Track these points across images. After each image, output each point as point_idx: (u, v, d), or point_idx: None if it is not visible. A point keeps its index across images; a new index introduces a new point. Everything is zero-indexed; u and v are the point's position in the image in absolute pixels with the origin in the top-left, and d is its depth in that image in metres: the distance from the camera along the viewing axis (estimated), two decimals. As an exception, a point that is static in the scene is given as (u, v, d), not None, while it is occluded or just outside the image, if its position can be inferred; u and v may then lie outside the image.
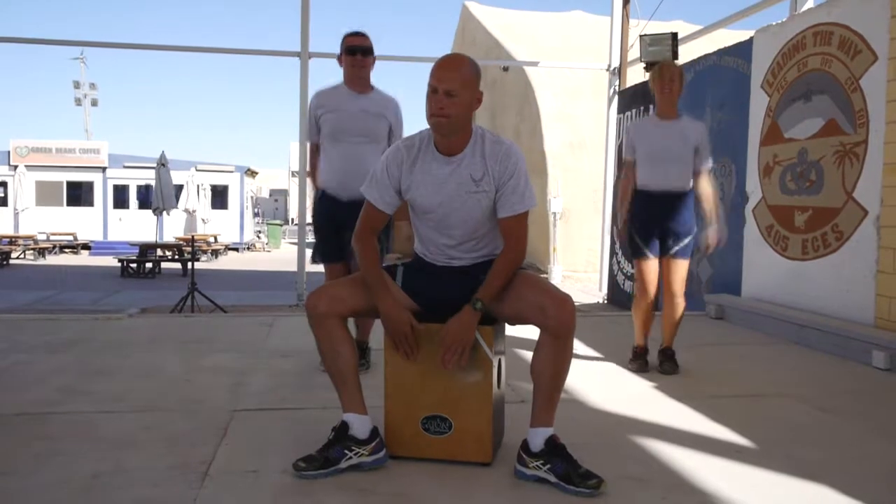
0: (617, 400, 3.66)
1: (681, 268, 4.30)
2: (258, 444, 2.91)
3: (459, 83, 2.57)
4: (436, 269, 2.81)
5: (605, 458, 2.77)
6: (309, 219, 10.56)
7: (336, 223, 4.07)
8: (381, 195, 2.75)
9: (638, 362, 4.38)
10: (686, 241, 4.27)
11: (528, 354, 4.42)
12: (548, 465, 2.55)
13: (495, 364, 2.73)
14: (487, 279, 2.64)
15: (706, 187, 4.30)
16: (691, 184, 4.30)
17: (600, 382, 4.04)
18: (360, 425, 2.67)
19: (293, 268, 9.69)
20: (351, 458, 2.62)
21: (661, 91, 4.27)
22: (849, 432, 3.30)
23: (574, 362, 4.40)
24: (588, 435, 3.11)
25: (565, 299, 2.58)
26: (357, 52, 4.07)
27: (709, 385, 4.08)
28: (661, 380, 4.09)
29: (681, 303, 4.34)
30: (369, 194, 2.77)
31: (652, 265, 4.34)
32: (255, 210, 36.07)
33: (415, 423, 2.72)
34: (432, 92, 2.58)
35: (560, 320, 2.55)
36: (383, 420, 2.76)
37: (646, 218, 4.32)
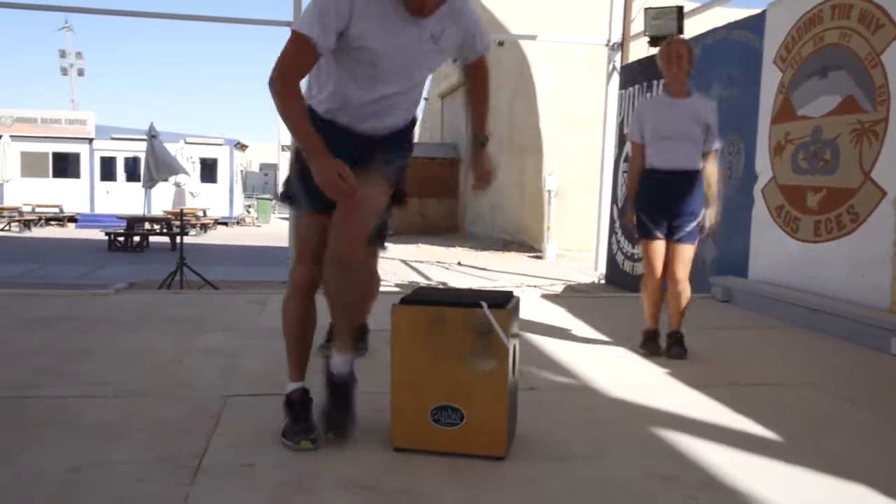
0: (632, 388, 3.47)
1: (685, 253, 4.15)
2: (254, 435, 2.69)
3: None
4: (346, 138, 2.63)
5: (626, 453, 2.59)
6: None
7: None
8: (325, 34, 2.40)
9: (649, 346, 4.21)
10: (691, 225, 4.13)
11: (536, 337, 4.27)
12: None
13: (510, 350, 2.53)
14: (476, 110, 2.84)
15: (711, 169, 4.18)
16: (701, 164, 4.13)
17: (612, 368, 3.85)
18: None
19: (284, 243, 9.47)
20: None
21: (670, 68, 4.11)
22: (874, 424, 3.15)
23: (583, 346, 4.24)
24: (605, 426, 2.93)
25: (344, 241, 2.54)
26: None
27: (724, 372, 3.90)
28: (676, 366, 3.90)
29: (686, 288, 4.18)
30: (311, 31, 2.39)
31: (659, 246, 4.20)
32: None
33: (424, 414, 2.52)
34: None
35: (337, 251, 2.55)
36: (389, 410, 2.56)
37: (652, 198, 4.19)
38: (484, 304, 2.48)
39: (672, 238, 4.16)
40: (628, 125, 4.65)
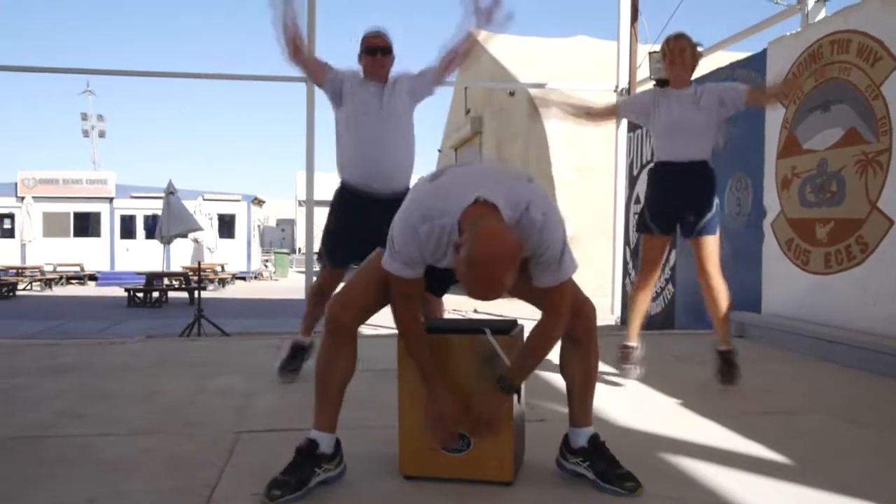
0: (641, 418, 3.47)
1: (711, 244, 4.08)
2: (265, 468, 2.70)
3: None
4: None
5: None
6: (316, 248, 10.47)
7: (353, 221, 3.86)
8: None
9: (626, 365, 4.24)
10: (709, 215, 4.07)
11: (545, 373, 4.27)
12: (587, 462, 2.53)
13: (516, 377, 2.56)
14: (521, 357, 2.47)
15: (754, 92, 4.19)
16: (710, 154, 4.11)
17: (622, 399, 3.84)
18: (327, 442, 2.49)
19: (301, 296, 9.54)
20: (320, 475, 2.44)
21: (672, 63, 4.12)
22: (890, 450, 3.11)
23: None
24: (615, 453, 2.92)
25: (580, 308, 2.52)
26: (377, 51, 3.99)
27: (737, 401, 3.88)
28: (686, 396, 3.90)
29: (720, 283, 4.07)
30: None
31: (657, 243, 4.22)
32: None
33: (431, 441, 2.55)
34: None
35: (578, 328, 2.52)
36: (397, 438, 2.59)
37: (662, 192, 4.20)
38: (487, 330, 2.53)
39: (692, 234, 4.10)
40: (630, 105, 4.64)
